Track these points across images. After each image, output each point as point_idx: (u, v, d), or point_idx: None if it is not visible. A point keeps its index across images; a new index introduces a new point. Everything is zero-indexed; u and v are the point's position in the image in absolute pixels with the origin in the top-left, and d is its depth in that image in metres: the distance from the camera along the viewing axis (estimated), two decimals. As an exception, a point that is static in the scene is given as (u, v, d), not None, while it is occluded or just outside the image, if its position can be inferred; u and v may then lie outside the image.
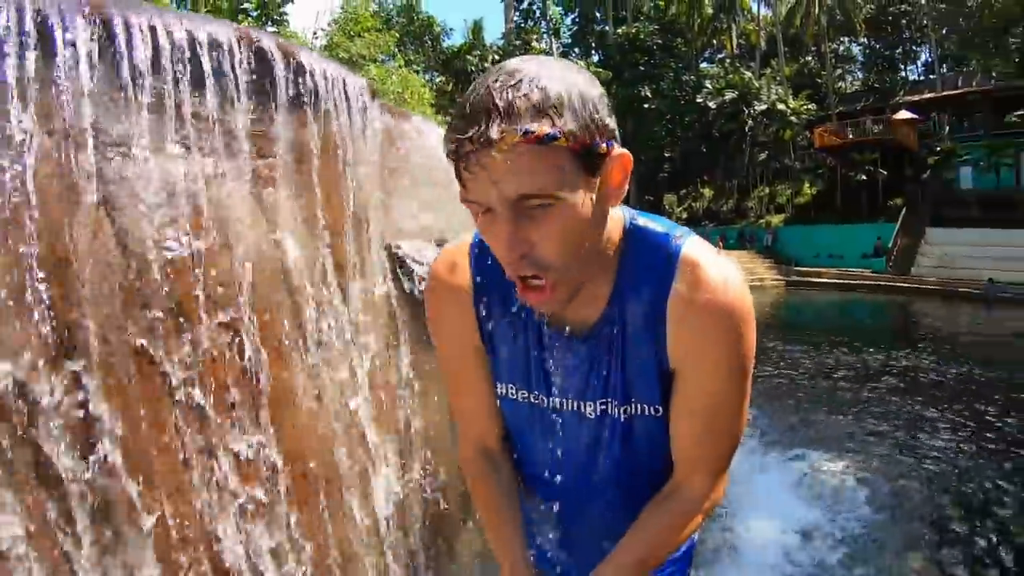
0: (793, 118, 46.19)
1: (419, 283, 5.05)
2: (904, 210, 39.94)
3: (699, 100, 50.12)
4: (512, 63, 1.37)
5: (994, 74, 46.50)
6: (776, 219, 48.07)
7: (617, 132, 1.41)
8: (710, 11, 55.97)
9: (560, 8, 65.98)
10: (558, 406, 1.76)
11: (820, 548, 6.86)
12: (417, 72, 34.40)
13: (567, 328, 1.69)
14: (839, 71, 59.87)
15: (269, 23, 30.10)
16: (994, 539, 6.98)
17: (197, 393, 3.29)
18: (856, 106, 50.15)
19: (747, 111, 46.91)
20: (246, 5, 29.31)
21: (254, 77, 3.77)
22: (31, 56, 2.83)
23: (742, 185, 52.68)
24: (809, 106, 47.18)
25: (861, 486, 8.33)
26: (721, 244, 39.15)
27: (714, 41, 61.73)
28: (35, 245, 2.78)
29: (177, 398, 3.18)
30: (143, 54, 3.17)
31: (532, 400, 1.79)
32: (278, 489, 3.63)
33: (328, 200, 4.26)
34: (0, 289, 2.66)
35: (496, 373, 1.84)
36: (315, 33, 39.90)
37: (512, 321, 1.75)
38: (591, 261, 1.51)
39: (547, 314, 1.66)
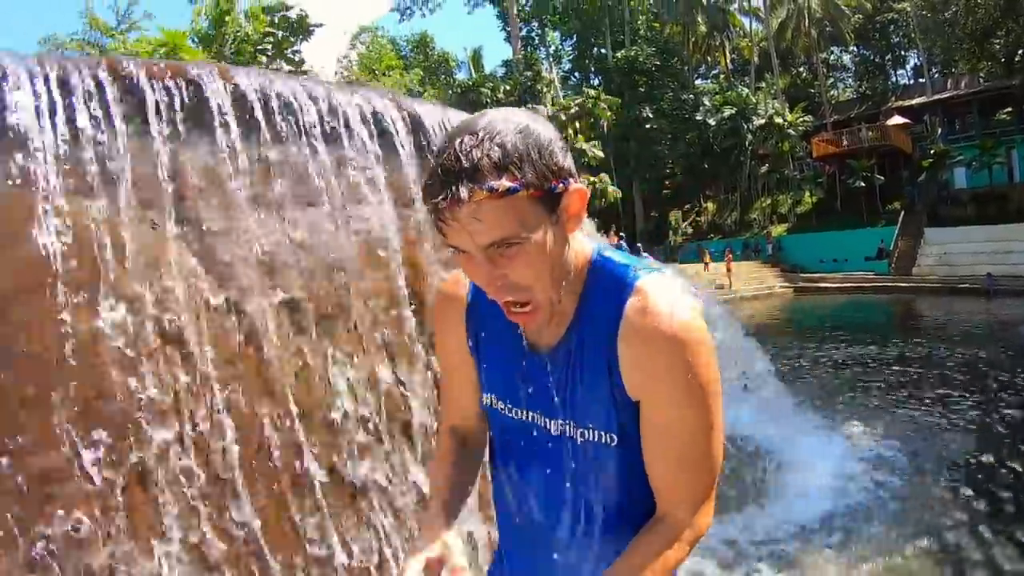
0: (790, 130, 47.28)
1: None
2: (903, 213, 40.87)
3: (698, 117, 51.08)
4: (475, 121, 1.52)
5: (982, 75, 47.54)
6: (779, 228, 48.91)
7: (572, 169, 1.57)
8: (704, 29, 56.78)
9: (558, 34, 67.09)
10: (529, 419, 1.86)
11: (860, 488, 8.18)
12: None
13: (537, 346, 1.82)
14: (831, 80, 60.76)
15: (282, 61, 31.41)
16: (1008, 480, 8.34)
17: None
18: (850, 114, 51.30)
19: (746, 126, 48.09)
20: (265, 45, 30.68)
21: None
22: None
23: (745, 197, 53.31)
24: (805, 118, 48.31)
25: (889, 446, 9.58)
26: (730, 256, 39.95)
27: (708, 58, 62.53)
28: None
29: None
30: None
31: (511, 412, 1.90)
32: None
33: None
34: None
35: (482, 383, 1.98)
36: (336, 72, 41.16)
37: (498, 336, 1.88)
38: (563, 280, 1.67)
39: (529, 332, 1.81)
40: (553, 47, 67.19)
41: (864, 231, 41.31)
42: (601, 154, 46.45)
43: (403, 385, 4.65)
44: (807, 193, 49.59)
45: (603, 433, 1.73)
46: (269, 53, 31.00)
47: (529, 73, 53.53)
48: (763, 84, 54.94)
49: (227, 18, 29.54)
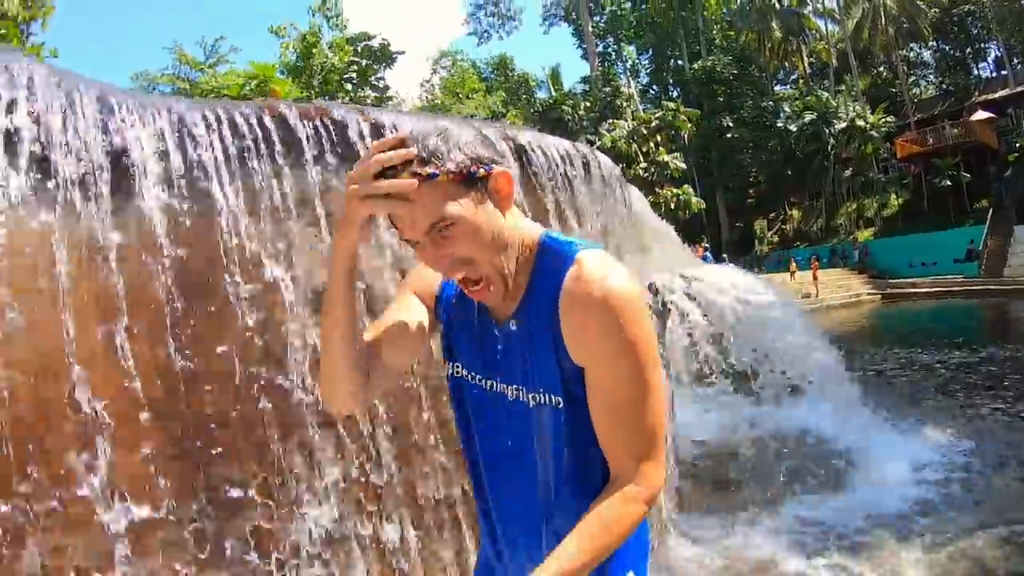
0: (873, 132, 46.81)
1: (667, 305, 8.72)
2: (991, 210, 40.06)
3: (779, 124, 51.21)
4: (413, 129, 1.76)
5: None
6: (866, 233, 48.47)
7: (496, 157, 1.81)
8: (779, 35, 56.38)
9: (634, 48, 67.49)
10: (489, 386, 2.03)
11: (934, 482, 8.49)
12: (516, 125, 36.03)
13: (495, 318, 2.00)
14: (913, 77, 59.58)
15: (367, 88, 32.36)
16: None
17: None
18: (933, 111, 50.30)
19: (827, 130, 47.73)
20: (350, 73, 31.68)
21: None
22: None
23: (829, 203, 52.89)
24: (888, 119, 47.69)
25: (967, 445, 9.78)
26: (816, 264, 39.91)
27: (786, 64, 61.98)
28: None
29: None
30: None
31: (475, 379, 2.07)
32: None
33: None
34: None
35: (448, 352, 2.17)
36: (420, 96, 42.12)
37: (465, 312, 2.09)
38: (505, 251, 1.85)
39: (488, 305, 1.98)
40: (630, 61, 67.83)
41: (952, 231, 40.49)
42: (683, 165, 46.67)
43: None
44: (893, 195, 48.59)
45: (551, 396, 1.89)
46: (354, 81, 32.06)
47: (608, 89, 54.09)
48: (843, 87, 54.05)
49: (314, 50, 30.65)
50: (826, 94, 51.20)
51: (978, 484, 8.39)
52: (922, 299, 35.44)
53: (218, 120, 4.23)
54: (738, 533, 7.20)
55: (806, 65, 59.80)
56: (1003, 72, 51.33)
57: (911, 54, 59.95)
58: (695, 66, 57.50)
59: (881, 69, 59.64)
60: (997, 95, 46.78)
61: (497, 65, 61.06)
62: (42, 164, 3.57)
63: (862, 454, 9.19)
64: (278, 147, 4.36)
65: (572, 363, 1.85)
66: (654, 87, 65.91)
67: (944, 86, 56.75)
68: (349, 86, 31.36)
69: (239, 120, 4.30)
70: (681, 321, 10.29)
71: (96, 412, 3.54)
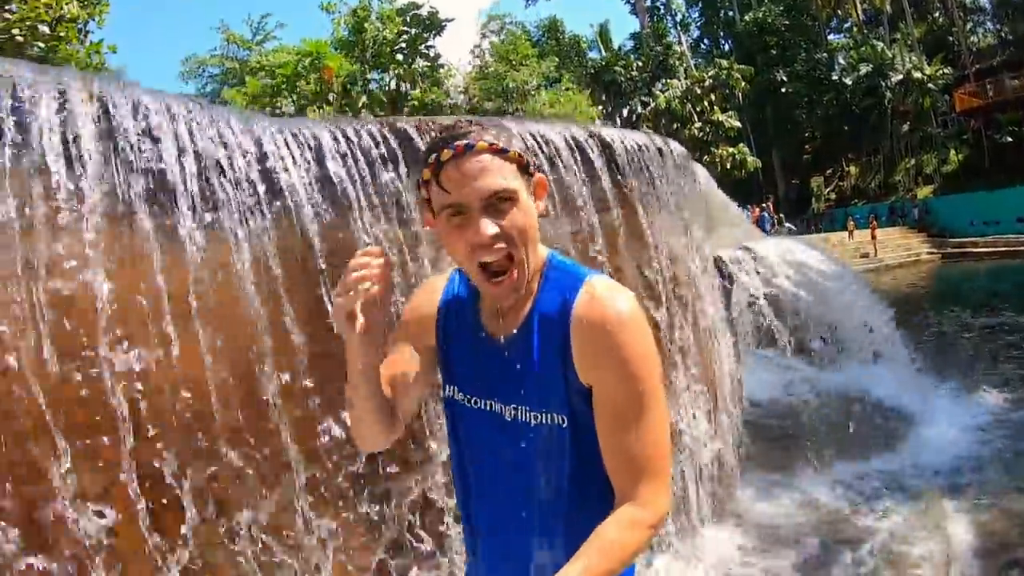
0: (931, 85, 46.17)
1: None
2: None
3: (834, 78, 50.59)
4: (473, 119, 1.89)
5: None
6: (925, 190, 47.57)
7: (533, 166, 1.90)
8: None
9: (683, 1, 66.20)
10: (486, 407, 2.02)
11: (983, 443, 8.99)
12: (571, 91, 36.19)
13: (497, 335, 2.01)
14: (970, 24, 57.72)
15: (418, 57, 32.45)
16: None
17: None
18: (993, 61, 48.65)
19: (883, 83, 47.14)
20: (400, 44, 31.75)
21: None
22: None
23: (888, 159, 51.82)
24: (945, 70, 46.97)
25: (1018, 409, 10.20)
26: (875, 223, 39.52)
27: (839, 11, 60.59)
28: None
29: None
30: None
31: (469, 401, 2.05)
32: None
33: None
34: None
35: (445, 375, 2.16)
36: (470, 63, 41.98)
37: (462, 333, 2.10)
38: (533, 259, 1.90)
39: (502, 305, 1.95)
40: (679, 15, 66.79)
41: (1016, 189, 38.87)
42: (738, 124, 46.98)
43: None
44: (952, 151, 47.51)
45: (555, 415, 1.91)
46: (405, 51, 32.11)
47: (659, 47, 53.88)
48: (898, 35, 52.76)
49: (366, 24, 30.93)
50: (881, 44, 50.46)
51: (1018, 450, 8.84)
52: (984, 259, 35.00)
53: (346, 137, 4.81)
54: (800, 486, 7.76)
55: (859, 12, 58.72)
56: None
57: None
58: (746, 17, 57.02)
59: (937, 15, 57.58)
60: None
61: (547, 28, 60.47)
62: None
63: (917, 415, 9.91)
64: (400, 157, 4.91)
65: (580, 383, 1.89)
66: (705, 40, 65.43)
67: (1003, 34, 54.71)
68: (400, 56, 31.60)
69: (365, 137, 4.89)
70: (743, 290, 10.91)
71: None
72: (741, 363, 10.09)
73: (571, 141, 6.09)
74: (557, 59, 36.93)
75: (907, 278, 31.85)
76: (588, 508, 1.90)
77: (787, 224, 38.54)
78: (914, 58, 48.10)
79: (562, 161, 5.88)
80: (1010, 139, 42.13)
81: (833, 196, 54.93)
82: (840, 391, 11.14)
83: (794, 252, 12.33)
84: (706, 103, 45.89)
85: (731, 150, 44.54)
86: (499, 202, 1.79)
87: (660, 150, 7.30)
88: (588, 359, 1.86)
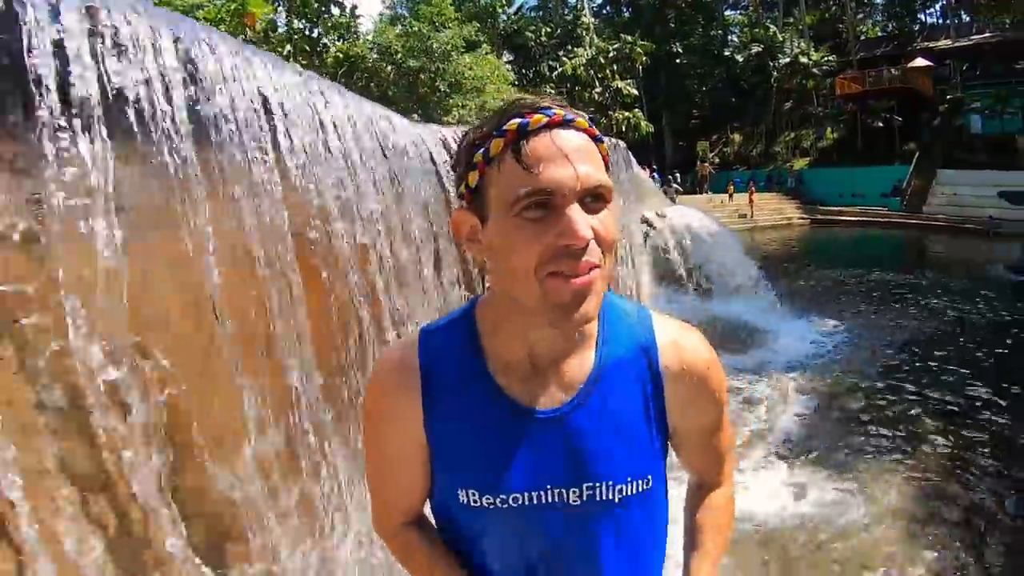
0: (815, 70, 49.39)
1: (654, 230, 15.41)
2: (918, 153, 42.44)
3: (727, 54, 53.66)
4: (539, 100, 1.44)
5: (1007, 21, 47.10)
6: (801, 162, 50.66)
7: None
8: None
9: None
10: (536, 500, 1.54)
11: (820, 348, 14.49)
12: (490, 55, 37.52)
13: (542, 402, 1.56)
14: (861, 15, 60.59)
15: (333, 6, 33.05)
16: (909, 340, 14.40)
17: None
18: (876, 52, 51.58)
19: (772, 64, 50.15)
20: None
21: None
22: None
23: (769, 131, 54.62)
24: (829, 58, 50.06)
25: (847, 330, 15.85)
26: (753, 187, 43.25)
27: (738, -12, 62.73)
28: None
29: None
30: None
31: (503, 503, 1.53)
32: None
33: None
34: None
35: (449, 478, 1.61)
36: (380, 15, 42.06)
37: (467, 407, 1.57)
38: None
39: (580, 319, 1.40)
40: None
41: (881, 168, 43.18)
42: (635, 92, 49.49)
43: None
44: (829, 129, 51.10)
45: (640, 481, 1.59)
46: (319, -1, 32.27)
47: (569, 16, 56.23)
48: (791, 19, 55.70)
49: None
50: (773, 27, 53.09)
51: (845, 351, 14.18)
52: (847, 227, 39.53)
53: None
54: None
55: (758, -8, 60.85)
56: (947, 22, 52.94)
57: (861, -7, 60.52)
58: (648, -11, 58.71)
59: (831, 4, 60.12)
60: (937, 45, 48.33)
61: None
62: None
63: (773, 332, 15.05)
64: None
65: (664, 425, 1.65)
66: (607, 8, 65.70)
67: (889, 28, 58.11)
68: (315, 4, 31.80)
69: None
70: (659, 241, 16.70)
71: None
72: (656, 291, 15.39)
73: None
74: (477, 25, 38.29)
75: (779, 238, 36.03)
76: (660, 552, 1.75)
77: (675, 185, 41.12)
78: (802, 44, 51.03)
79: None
80: (881, 124, 45.37)
81: (717, 160, 57.19)
82: (720, 315, 15.55)
83: (690, 216, 18.22)
84: (608, 71, 48.58)
85: (627, 114, 46.91)
86: (594, 200, 1.37)
87: (616, 144, 10.22)
88: (689, 406, 1.66)
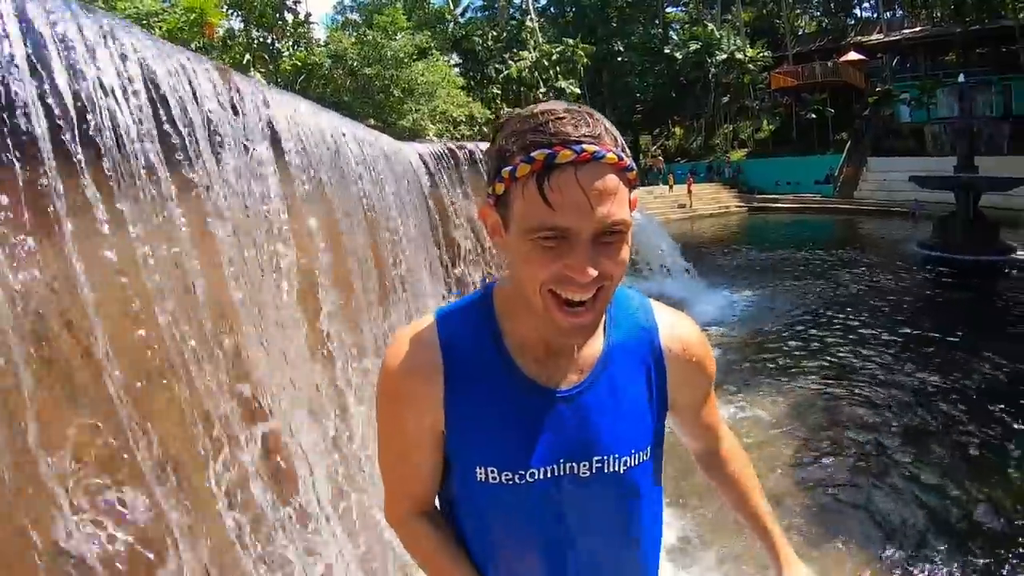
0: (751, 65, 50.91)
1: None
2: (849, 143, 45.11)
3: (667, 51, 54.33)
4: (565, 104, 1.45)
5: (936, 15, 49.62)
6: (739, 153, 52.75)
7: None
8: None
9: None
10: (551, 474, 1.65)
11: (736, 310, 16.80)
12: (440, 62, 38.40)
13: (556, 382, 1.67)
14: (797, 11, 62.01)
15: (287, 13, 33.72)
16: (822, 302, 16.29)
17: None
18: (811, 47, 53.59)
19: (710, 60, 51.32)
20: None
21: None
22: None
23: (708, 124, 56.74)
24: (764, 53, 51.37)
25: (762, 297, 18.27)
26: (692, 178, 44.84)
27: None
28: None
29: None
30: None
31: (521, 479, 1.64)
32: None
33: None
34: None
35: (467, 456, 1.68)
36: (334, 20, 42.42)
37: (485, 388, 1.65)
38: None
39: (576, 339, 1.58)
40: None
41: (815, 158, 45.17)
42: (578, 91, 51.11)
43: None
44: (765, 122, 53.40)
45: (641, 453, 1.72)
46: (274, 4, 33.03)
47: (514, 22, 57.67)
48: (729, 16, 57.31)
49: None
50: (712, 25, 54.30)
51: (757, 314, 16.45)
52: (783, 213, 41.29)
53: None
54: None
55: (697, -10, 62.21)
56: (879, 16, 53.92)
57: (796, -10, 61.95)
58: (591, -10, 59.88)
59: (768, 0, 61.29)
60: (869, 40, 49.99)
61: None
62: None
63: (693, 300, 17.36)
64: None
65: (664, 401, 1.80)
66: (552, 9, 66.13)
67: (824, 24, 59.56)
68: (269, 10, 32.31)
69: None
70: None
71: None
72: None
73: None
74: (428, 34, 38.88)
75: (717, 225, 37.88)
76: (659, 529, 1.88)
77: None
78: (739, 41, 52.00)
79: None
80: (814, 116, 46.90)
81: (659, 152, 58.73)
82: (648, 291, 17.74)
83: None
84: (552, 72, 50.28)
85: (570, 112, 48.39)
86: (611, 234, 1.42)
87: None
88: (687, 384, 1.83)
